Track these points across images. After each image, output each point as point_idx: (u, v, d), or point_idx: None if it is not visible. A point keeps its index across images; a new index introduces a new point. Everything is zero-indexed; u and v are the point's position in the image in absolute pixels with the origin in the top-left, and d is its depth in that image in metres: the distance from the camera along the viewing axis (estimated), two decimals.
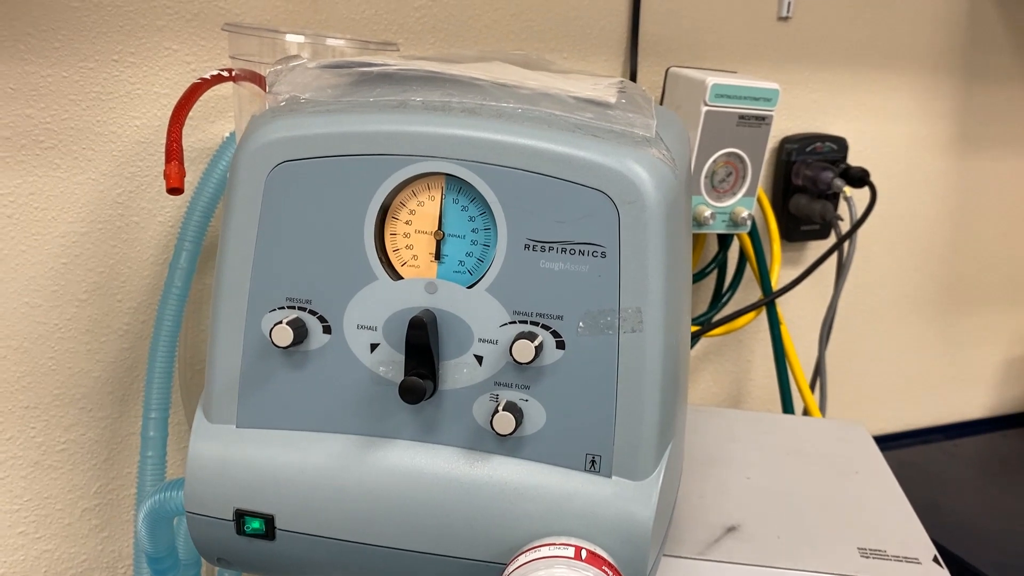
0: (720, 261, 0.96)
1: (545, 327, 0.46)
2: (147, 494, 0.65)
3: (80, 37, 0.69)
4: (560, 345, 0.46)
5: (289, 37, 0.66)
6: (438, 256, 0.47)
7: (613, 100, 0.48)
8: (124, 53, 0.71)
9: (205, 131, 0.75)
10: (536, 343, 0.45)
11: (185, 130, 0.73)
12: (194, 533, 0.49)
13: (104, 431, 0.78)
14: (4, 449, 0.74)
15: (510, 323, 0.46)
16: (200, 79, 0.66)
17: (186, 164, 0.73)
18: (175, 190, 0.58)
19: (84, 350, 0.75)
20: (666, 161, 0.46)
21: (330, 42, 0.67)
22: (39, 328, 0.73)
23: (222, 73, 0.67)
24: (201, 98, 0.73)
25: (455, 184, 0.47)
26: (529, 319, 0.46)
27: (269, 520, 0.48)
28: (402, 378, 0.46)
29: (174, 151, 0.60)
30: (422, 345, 0.45)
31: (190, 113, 0.73)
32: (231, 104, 0.75)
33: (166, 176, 0.58)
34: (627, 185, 0.44)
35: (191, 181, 0.74)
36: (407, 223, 0.47)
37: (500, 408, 0.46)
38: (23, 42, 0.68)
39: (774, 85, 0.83)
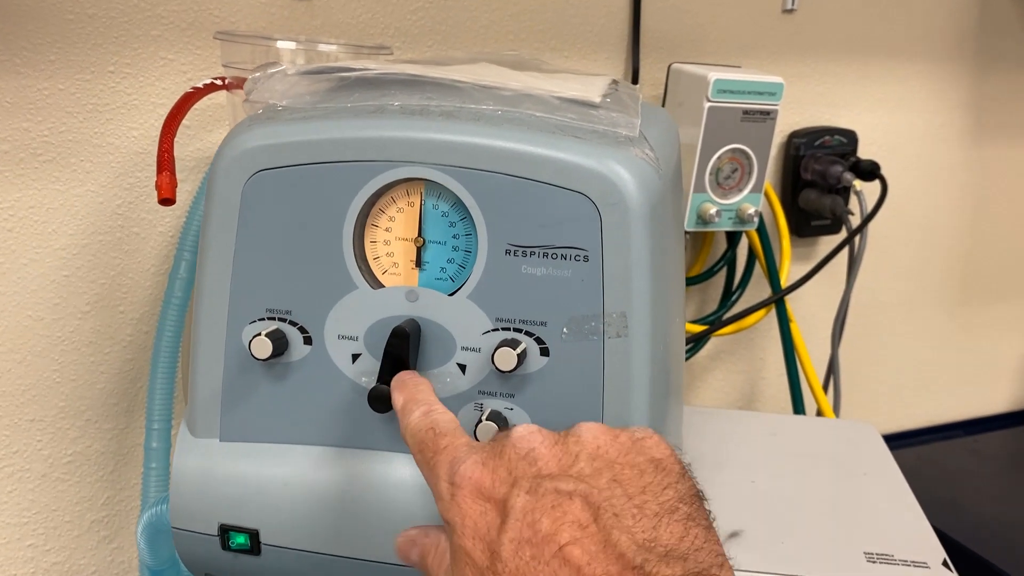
0: (728, 259, 0.94)
1: (528, 334, 0.45)
2: (147, 507, 0.65)
3: (75, 49, 0.69)
4: (544, 352, 0.45)
5: (280, 44, 0.65)
6: (419, 263, 0.46)
7: (597, 100, 0.47)
8: (120, 64, 0.71)
9: (203, 140, 0.75)
10: (519, 350, 0.44)
11: (182, 140, 0.73)
12: (180, 548, 0.49)
13: (110, 442, 0.78)
14: (11, 462, 0.74)
15: (493, 330, 0.45)
16: (193, 88, 0.65)
17: (184, 174, 0.73)
18: (167, 201, 0.58)
19: (88, 362, 0.75)
20: (649, 161, 0.45)
21: (322, 47, 0.66)
22: (42, 341, 0.73)
23: (215, 82, 0.67)
24: (198, 107, 0.72)
25: (434, 189, 0.46)
26: (512, 326, 0.45)
27: (254, 535, 0.48)
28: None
29: (165, 161, 0.60)
30: (396, 355, 0.44)
31: (187, 123, 0.73)
32: (227, 113, 0.75)
33: (157, 187, 0.58)
34: (608, 187, 0.43)
35: (189, 191, 0.74)
36: (387, 230, 0.46)
37: (484, 418, 0.45)
38: (19, 56, 0.68)
39: (778, 79, 0.82)
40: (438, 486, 0.39)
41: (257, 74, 0.48)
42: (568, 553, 0.34)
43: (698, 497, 0.37)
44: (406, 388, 0.44)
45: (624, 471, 0.37)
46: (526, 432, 0.38)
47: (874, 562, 0.56)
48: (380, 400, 0.44)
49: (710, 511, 0.37)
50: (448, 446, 0.40)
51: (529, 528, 0.35)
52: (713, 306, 0.98)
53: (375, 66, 0.49)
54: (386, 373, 0.45)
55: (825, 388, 0.99)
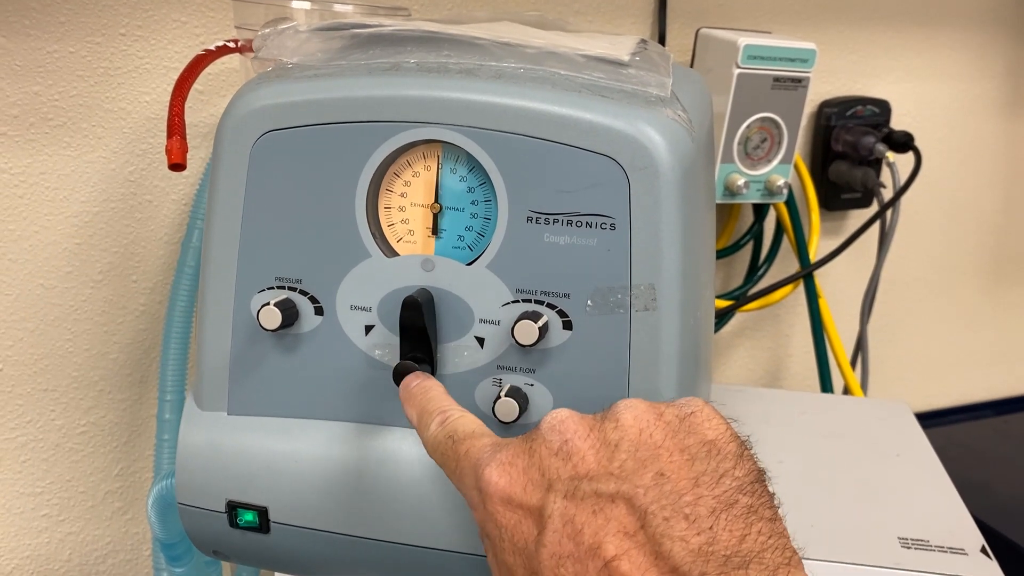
0: (755, 232, 0.92)
1: (551, 306, 0.43)
2: (157, 480, 0.64)
3: (86, 11, 0.67)
4: (567, 325, 0.43)
5: (295, 4, 0.63)
6: (435, 231, 0.44)
7: (626, 58, 0.45)
8: (131, 27, 0.69)
9: (216, 106, 0.73)
10: (540, 323, 0.42)
11: (194, 105, 0.71)
12: (187, 525, 0.48)
13: (124, 413, 0.77)
14: (25, 432, 0.74)
15: (513, 302, 0.43)
16: (204, 50, 0.63)
17: (196, 140, 0.72)
18: (177, 166, 0.56)
19: (101, 331, 0.74)
20: (682, 123, 0.42)
21: (338, 8, 0.64)
22: (55, 310, 0.72)
23: (228, 44, 0.65)
24: (211, 71, 0.71)
25: (452, 152, 0.44)
26: (533, 298, 0.43)
27: (263, 512, 0.46)
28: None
29: (176, 125, 0.58)
30: (416, 327, 0.42)
31: (200, 87, 0.72)
32: (241, 77, 0.73)
33: (168, 152, 0.56)
34: (638, 149, 0.40)
35: (203, 157, 0.72)
36: (402, 195, 0.44)
37: (503, 394, 0.43)
38: (28, 17, 0.66)
39: (811, 45, 0.79)
40: (468, 495, 0.36)
41: (267, 30, 0.46)
42: (615, 568, 0.30)
43: (759, 481, 0.33)
44: (414, 399, 0.41)
45: (672, 460, 0.33)
46: (557, 421, 0.35)
47: (909, 548, 0.54)
48: (405, 376, 0.42)
49: (774, 493, 0.33)
50: (469, 450, 0.36)
51: (570, 540, 0.31)
52: (738, 281, 0.96)
53: (390, 22, 0.47)
54: (407, 349, 0.43)
55: (852, 365, 0.97)
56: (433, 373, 0.45)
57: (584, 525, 0.31)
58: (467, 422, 0.38)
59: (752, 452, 0.34)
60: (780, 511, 0.33)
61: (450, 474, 0.38)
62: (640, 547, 0.31)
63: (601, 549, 0.31)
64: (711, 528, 0.31)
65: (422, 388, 0.41)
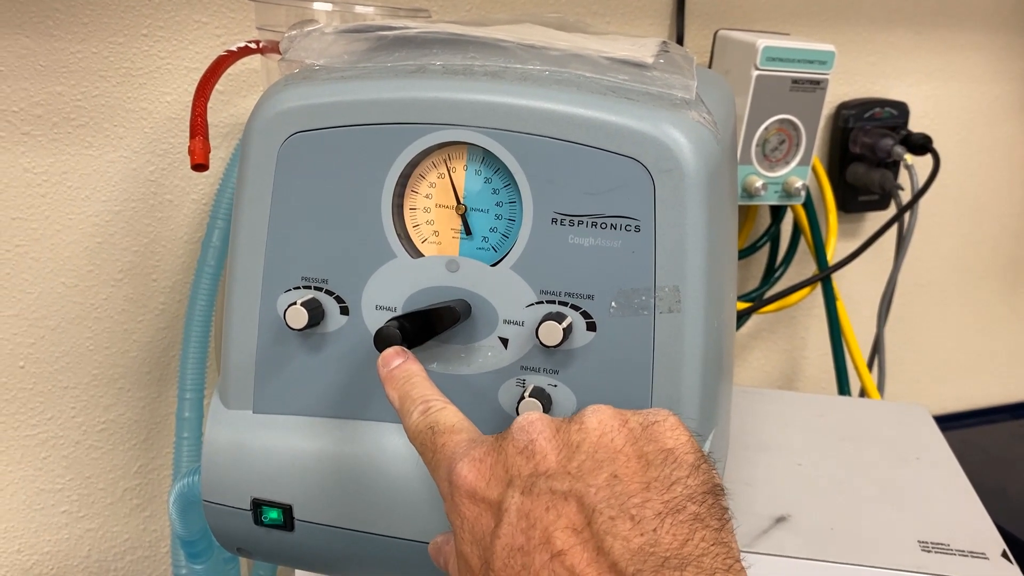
0: (772, 234, 0.92)
1: (575, 307, 0.43)
2: (178, 477, 0.65)
3: (108, 12, 0.68)
4: (591, 327, 0.43)
5: (316, 5, 0.64)
6: (460, 232, 0.44)
7: (650, 61, 0.45)
8: (153, 27, 0.70)
9: (236, 106, 0.74)
10: (564, 325, 0.42)
11: (215, 105, 0.72)
12: (212, 523, 0.48)
13: (143, 411, 0.77)
14: (45, 429, 0.74)
15: (537, 303, 0.44)
16: (226, 51, 0.64)
17: (217, 140, 0.72)
18: (200, 166, 0.57)
19: (120, 330, 0.75)
20: (707, 125, 0.42)
21: (358, 10, 0.64)
22: (75, 309, 0.73)
23: (249, 45, 0.65)
24: (231, 72, 0.71)
25: (478, 154, 0.44)
26: (557, 299, 0.43)
27: (287, 510, 0.47)
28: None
29: (199, 126, 0.58)
30: (428, 321, 0.42)
31: (220, 88, 0.72)
32: (262, 78, 0.73)
33: (191, 152, 0.57)
34: (663, 151, 0.41)
35: (223, 157, 0.73)
36: (427, 197, 0.45)
37: (527, 394, 0.44)
38: (52, 18, 0.67)
39: (829, 47, 0.79)
40: (440, 486, 0.38)
41: (293, 32, 0.46)
42: (560, 562, 0.32)
43: (712, 493, 0.34)
44: (396, 383, 0.41)
45: (628, 464, 0.34)
46: (527, 422, 0.36)
47: (929, 552, 0.54)
48: (386, 343, 0.42)
49: (727, 508, 0.34)
50: (446, 444, 0.38)
51: (522, 534, 0.33)
52: (755, 283, 0.95)
53: (416, 25, 0.47)
54: (406, 322, 0.43)
55: (869, 368, 0.97)
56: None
57: (537, 520, 0.33)
58: (448, 415, 0.39)
59: (711, 467, 0.35)
60: (731, 524, 0.34)
61: (427, 462, 0.39)
62: (584, 543, 0.32)
63: (550, 543, 0.32)
64: (655, 530, 0.32)
65: (405, 372, 0.41)
